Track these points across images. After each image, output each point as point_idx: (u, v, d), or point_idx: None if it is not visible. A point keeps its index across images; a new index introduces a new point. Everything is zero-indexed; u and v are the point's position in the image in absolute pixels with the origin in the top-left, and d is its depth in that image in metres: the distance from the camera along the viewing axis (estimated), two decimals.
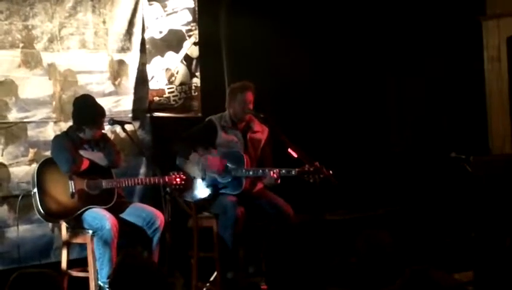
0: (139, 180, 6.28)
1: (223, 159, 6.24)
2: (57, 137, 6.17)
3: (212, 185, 6.27)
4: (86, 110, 6.06)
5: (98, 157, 6.09)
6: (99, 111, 6.08)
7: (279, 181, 6.14)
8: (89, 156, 6.05)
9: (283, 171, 6.09)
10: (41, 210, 5.87)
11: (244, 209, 6.09)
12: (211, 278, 6.31)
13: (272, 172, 6.11)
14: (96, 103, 6.13)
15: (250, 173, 6.19)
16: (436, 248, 6.93)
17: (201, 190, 6.29)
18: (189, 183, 6.21)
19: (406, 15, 8.09)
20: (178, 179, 6.00)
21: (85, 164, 5.98)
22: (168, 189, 5.87)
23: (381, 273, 3.96)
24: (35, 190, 5.88)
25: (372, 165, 8.10)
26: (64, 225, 6.04)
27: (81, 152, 6.03)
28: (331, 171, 6.00)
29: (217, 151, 6.30)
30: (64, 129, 6.29)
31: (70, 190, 5.91)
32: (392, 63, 8.12)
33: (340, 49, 8.09)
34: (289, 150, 6.10)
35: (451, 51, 8.07)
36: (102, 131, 6.14)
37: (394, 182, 8.02)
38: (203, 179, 6.28)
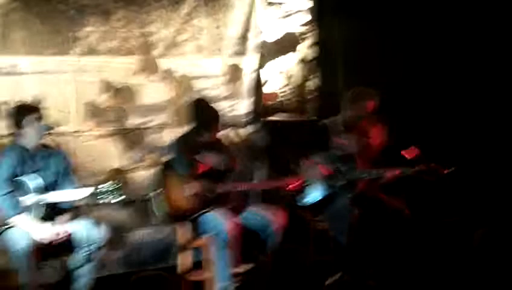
0: (255, 185, 6.30)
1: (329, 167, 6.18)
2: (174, 141, 6.25)
3: (327, 188, 6.22)
4: (203, 112, 6.12)
5: (214, 160, 6.14)
6: (215, 114, 6.14)
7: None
8: (206, 159, 6.11)
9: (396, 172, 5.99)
10: (161, 212, 5.95)
11: (358, 211, 6.02)
12: (328, 282, 6.27)
13: (388, 173, 6.00)
14: (211, 106, 6.20)
15: (365, 175, 6.12)
16: None
17: (315, 193, 6.25)
18: (304, 188, 6.17)
19: None
20: (292, 186, 5.97)
21: (202, 167, 6.03)
22: (283, 192, 5.86)
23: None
24: (155, 192, 5.96)
25: (497, 167, 7.80)
26: (181, 229, 6.12)
27: (198, 156, 6.10)
28: (447, 170, 5.85)
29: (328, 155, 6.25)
30: (180, 134, 6.39)
31: (188, 193, 5.98)
32: None
33: (462, 48, 7.85)
34: (402, 152, 5.99)
35: None
36: (218, 135, 6.20)
37: None
38: (317, 183, 6.24)
